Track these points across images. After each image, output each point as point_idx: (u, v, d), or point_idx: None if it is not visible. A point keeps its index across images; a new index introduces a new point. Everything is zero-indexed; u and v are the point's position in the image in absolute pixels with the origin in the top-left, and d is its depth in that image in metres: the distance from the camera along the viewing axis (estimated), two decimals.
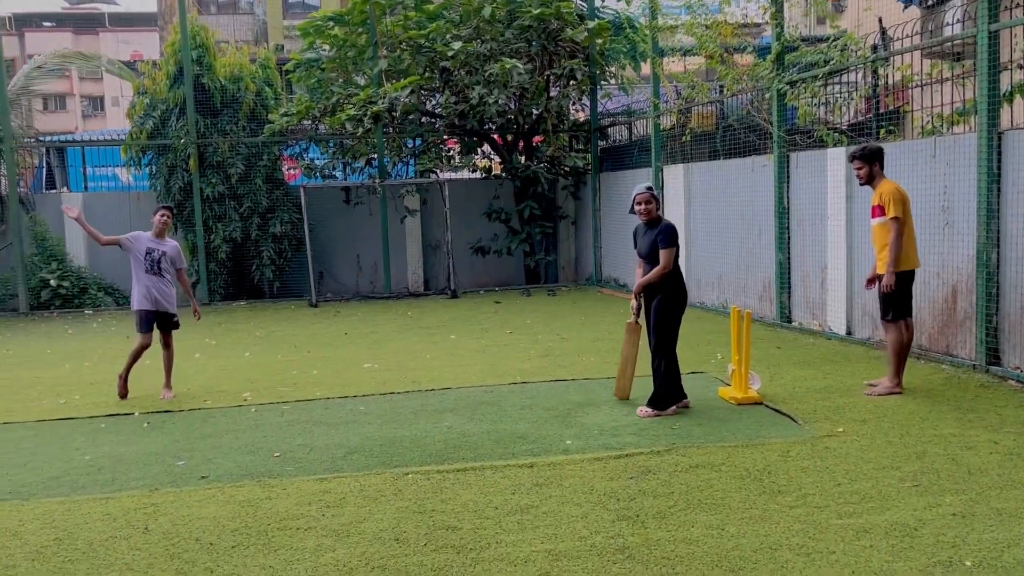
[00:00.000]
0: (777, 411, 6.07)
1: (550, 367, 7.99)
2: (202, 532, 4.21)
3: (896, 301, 6.28)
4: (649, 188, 6.24)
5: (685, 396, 6.23)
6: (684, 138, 11.79)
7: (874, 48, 9.01)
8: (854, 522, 4.01)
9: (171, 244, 7.65)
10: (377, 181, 14.52)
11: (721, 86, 10.94)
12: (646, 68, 14.23)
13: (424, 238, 15.72)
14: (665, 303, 6.13)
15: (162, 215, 7.58)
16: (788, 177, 9.54)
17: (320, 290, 15.22)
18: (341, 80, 15.00)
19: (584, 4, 14.94)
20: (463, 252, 15.52)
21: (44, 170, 22.69)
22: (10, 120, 14.26)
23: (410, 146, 15.58)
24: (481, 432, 5.82)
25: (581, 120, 15.68)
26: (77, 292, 14.61)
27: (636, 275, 6.34)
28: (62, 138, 23.07)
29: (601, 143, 15.45)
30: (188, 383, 7.89)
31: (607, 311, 11.50)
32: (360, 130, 14.16)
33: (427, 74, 14.42)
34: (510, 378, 7.54)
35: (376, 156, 14.69)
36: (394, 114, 14.05)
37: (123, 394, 7.34)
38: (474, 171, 16.33)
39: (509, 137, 15.35)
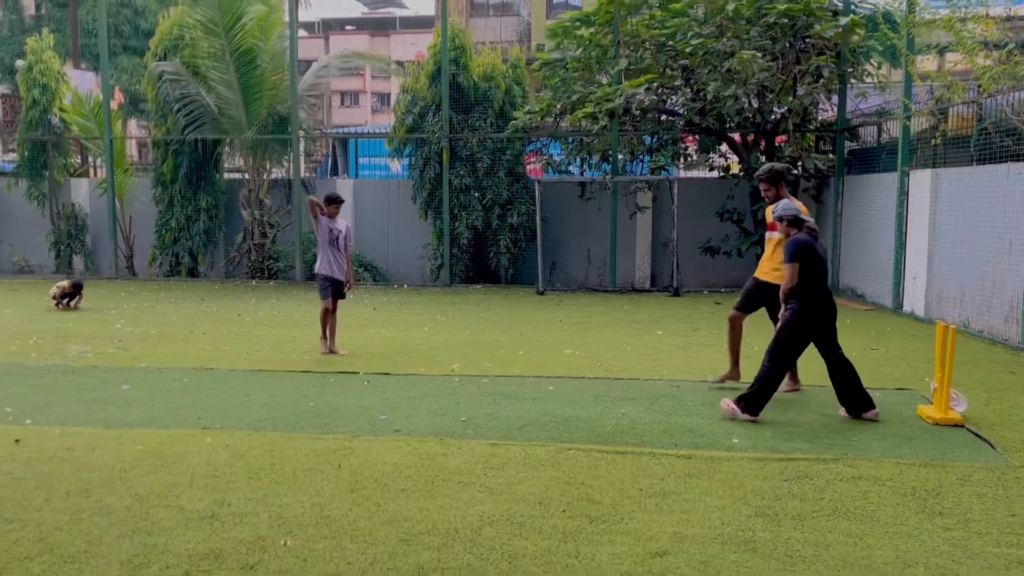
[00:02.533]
0: (977, 435, 5.66)
1: (746, 368, 7.91)
2: (382, 474, 4.86)
3: None
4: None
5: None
6: (934, 141, 10.94)
7: None
8: (1011, 552, 3.77)
9: (344, 224, 9.00)
10: (608, 177, 14.91)
11: (978, 85, 10.01)
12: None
13: (654, 235, 15.88)
14: (790, 315, 5.97)
15: (333, 204, 8.91)
16: None
17: (550, 279, 15.96)
18: (584, 79, 15.52)
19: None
20: (692, 251, 15.46)
21: (330, 158, 25.74)
22: (298, 113, 16.39)
23: (647, 143, 15.75)
24: (653, 421, 6.01)
25: (830, 120, 14.95)
26: None
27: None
28: (349, 131, 25.73)
29: (853, 144, 14.66)
30: (411, 352, 8.80)
31: (845, 330, 10.97)
32: (596, 127, 14.61)
33: (668, 72, 14.52)
34: (701, 376, 7.60)
35: (611, 153, 15.06)
36: (632, 112, 14.32)
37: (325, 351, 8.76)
38: (711, 170, 16.20)
39: (750, 137, 15.03)
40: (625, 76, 14.51)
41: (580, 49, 15.46)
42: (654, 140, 15.18)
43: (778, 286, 6.26)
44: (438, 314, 11.81)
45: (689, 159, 15.74)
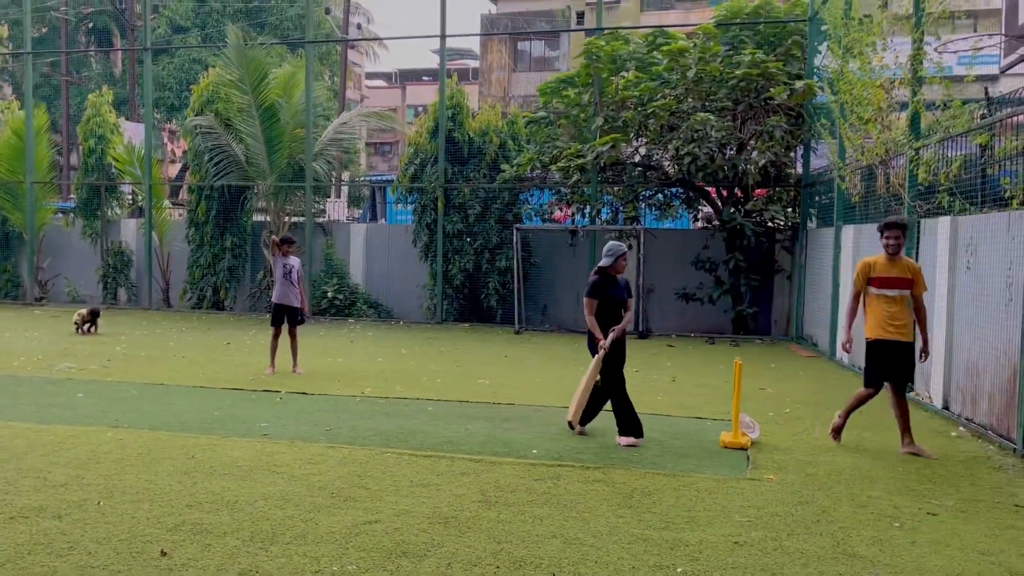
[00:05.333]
0: (747, 457, 6.47)
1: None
2: (219, 464, 6.03)
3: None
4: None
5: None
6: (854, 199, 11.66)
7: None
8: (621, 531, 4.66)
9: (296, 260, 10.47)
10: (581, 227, 15.97)
11: (863, 151, 10.82)
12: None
13: (640, 282, 16.76)
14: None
15: (288, 245, 10.46)
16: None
17: (542, 321, 17.04)
18: (570, 135, 16.69)
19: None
20: (669, 298, 16.28)
21: (371, 203, 27.50)
22: (312, 164, 18.04)
23: (631, 196, 16.72)
24: (482, 435, 7.03)
25: (797, 176, 15.70)
26: (348, 304, 17.95)
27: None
28: (373, 178, 27.42)
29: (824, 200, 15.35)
30: (345, 376, 10.02)
31: (762, 369, 11.70)
32: (571, 180, 15.74)
33: (643, 130, 15.57)
34: (559, 402, 8.54)
35: (587, 203, 16.14)
36: (602, 166, 15.40)
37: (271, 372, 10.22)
38: (696, 220, 17.07)
39: (725, 191, 15.88)
40: (602, 133, 15.63)
41: (565, 107, 16.67)
42: (627, 192, 16.17)
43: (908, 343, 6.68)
44: (402, 348, 13.01)
45: (667, 210, 16.65)
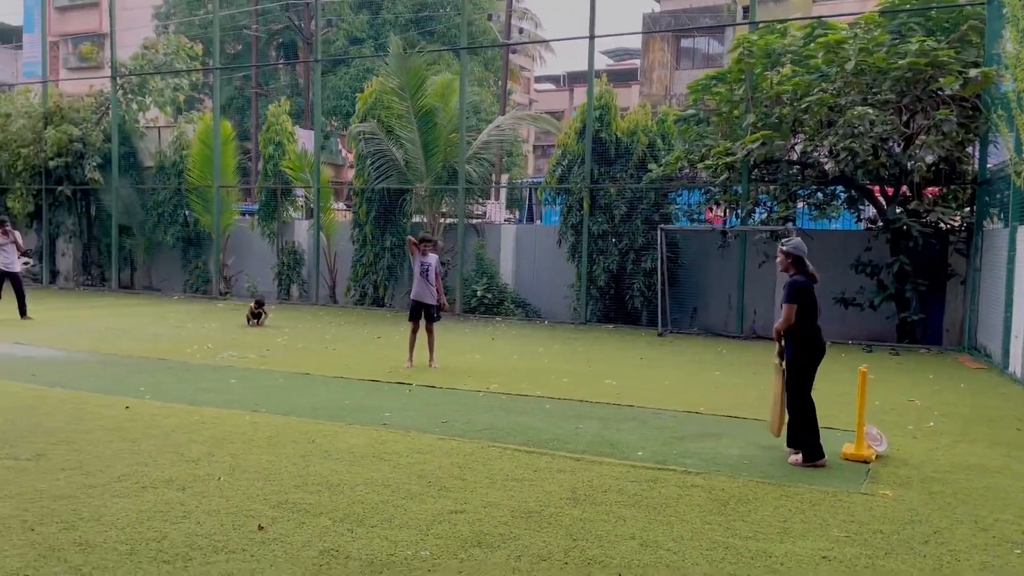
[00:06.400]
0: (867, 470, 6.06)
1: (735, 405, 8.48)
2: (334, 448, 6.40)
3: None
4: (782, 245, 6.71)
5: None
6: None
7: None
8: (707, 537, 4.50)
9: (433, 258, 10.74)
10: (730, 228, 15.46)
11: None
12: None
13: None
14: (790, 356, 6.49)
15: (424, 244, 10.81)
16: None
17: (690, 324, 16.69)
18: (722, 133, 16.22)
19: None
20: (826, 302, 15.42)
21: (529, 205, 27.98)
22: (466, 166, 18.58)
23: (785, 195, 16.01)
24: (590, 435, 7.01)
25: (972, 173, 14.43)
26: (496, 302, 18.37)
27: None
28: (524, 182, 27.80)
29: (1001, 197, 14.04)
30: (476, 372, 10.30)
31: (919, 380, 10.85)
32: (721, 178, 15.28)
33: (798, 126, 14.87)
34: (684, 406, 8.35)
35: (738, 202, 15.61)
36: (754, 164, 14.85)
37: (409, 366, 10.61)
38: (858, 221, 16.10)
39: (890, 190, 14.89)
40: (754, 130, 15.07)
41: (717, 104, 16.21)
42: (782, 191, 15.48)
43: None
44: (540, 347, 13.16)
45: (826, 209, 15.78)
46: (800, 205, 16.00)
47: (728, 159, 14.73)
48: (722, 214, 16.66)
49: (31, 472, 5.54)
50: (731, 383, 10.10)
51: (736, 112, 15.68)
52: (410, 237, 11.20)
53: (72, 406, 7.71)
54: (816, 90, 14.27)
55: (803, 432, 6.34)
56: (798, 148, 15.32)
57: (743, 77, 15.42)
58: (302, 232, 21.77)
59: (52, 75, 29.89)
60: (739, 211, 15.89)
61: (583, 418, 7.74)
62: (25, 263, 16.55)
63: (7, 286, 15.13)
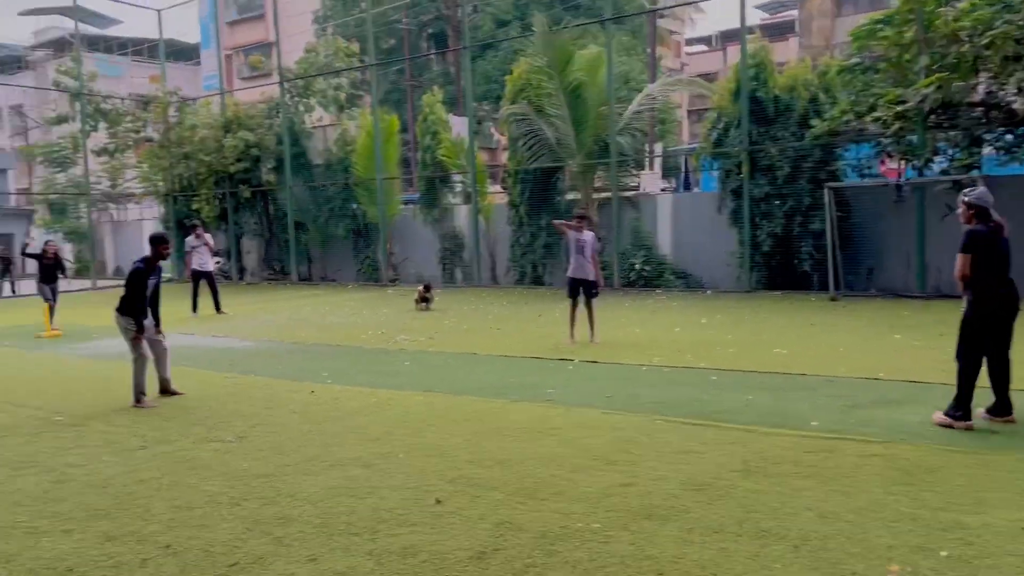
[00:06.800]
0: None
1: (918, 369, 7.94)
2: (501, 425, 6.60)
3: None
4: (964, 195, 6.26)
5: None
6: None
7: None
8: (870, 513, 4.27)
9: (589, 234, 10.68)
10: (906, 181, 14.43)
11: None
12: None
13: None
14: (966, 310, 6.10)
15: (579, 220, 10.86)
16: None
17: (866, 286, 15.82)
18: (893, 80, 15.14)
19: None
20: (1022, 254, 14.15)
21: (684, 174, 27.41)
22: (617, 138, 18.41)
23: (967, 141, 14.76)
24: (761, 406, 6.83)
25: None
26: (655, 275, 18.15)
27: None
28: (677, 149, 27.15)
29: None
30: (639, 345, 10.27)
31: None
32: (892, 128, 14.28)
33: (973, 64, 13.65)
34: (868, 374, 7.92)
35: (913, 153, 14.56)
36: (930, 111, 13.77)
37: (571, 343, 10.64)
38: None
39: None
40: (928, 73, 13.98)
41: (884, 50, 15.12)
42: (963, 137, 14.27)
43: None
44: (703, 317, 12.90)
45: (1016, 152, 14.40)
46: (986, 151, 14.67)
47: (900, 107, 13.74)
48: (896, 167, 15.58)
49: (235, 453, 6.08)
50: (912, 346, 9.51)
51: (907, 56, 14.56)
52: (555, 221, 11.27)
53: (265, 392, 8.38)
54: (999, 22, 13.01)
55: (959, 386, 5.91)
56: (980, 88, 14.06)
57: (912, 17, 14.28)
58: (462, 217, 22.37)
59: (228, 86, 32.23)
60: (915, 162, 14.81)
61: (752, 389, 7.54)
62: (217, 262, 18.00)
63: (203, 284, 16.56)
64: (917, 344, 9.61)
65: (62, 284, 15.73)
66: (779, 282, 16.59)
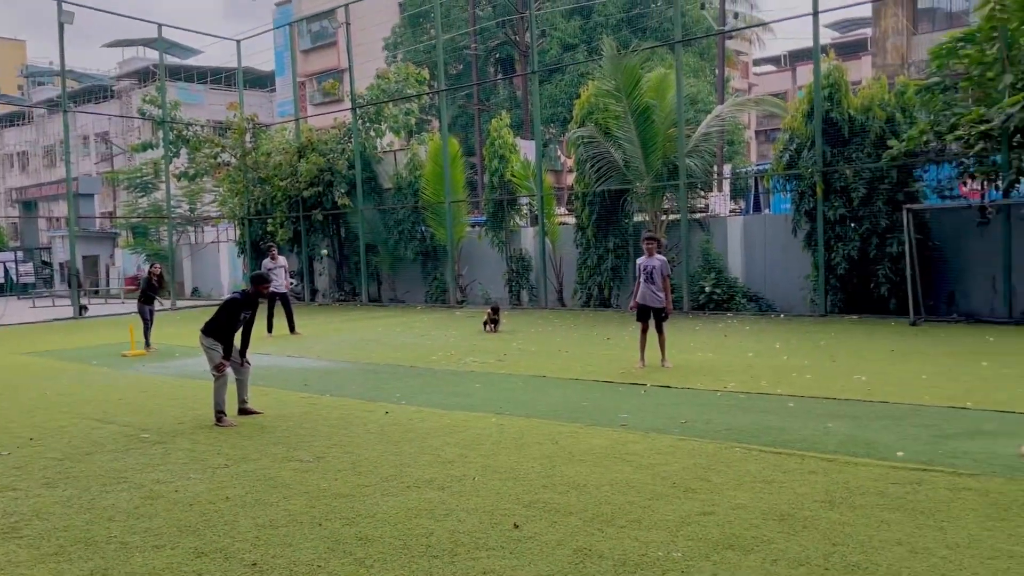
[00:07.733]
0: None
1: (1010, 399, 7.65)
2: (578, 450, 6.57)
3: None
4: None
5: None
6: None
7: None
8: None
9: (658, 260, 10.59)
10: (990, 202, 13.95)
11: None
12: None
13: None
14: None
15: (648, 243, 10.71)
16: None
17: (949, 311, 15.33)
18: (970, 100, 14.71)
19: None
20: None
21: (753, 195, 27.05)
22: (686, 159, 18.27)
23: None
24: (840, 434, 6.65)
25: None
26: (726, 298, 17.89)
27: None
28: (747, 169, 26.75)
29: None
30: (712, 371, 10.12)
31: None
32: (975, 148, 13.85)
33: None
34: (946, 401, 7.64)
35: (997, 173, 14.08)
36: (1010, 129, 13.33)
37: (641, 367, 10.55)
38: None
39: None
40: (1012, 92, 13.55)
41: (965, 68, 14.71)
42: None
43: None
44: (777, 342, 12.65)
45: None
46: None
47: (983, 127, 13.33)
48: (979, 188, 15.09)
49: (314, 473, 6.20)
50: (1002, 374, 9.14)
51: (990, 74, 14.12)
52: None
53: (340, 412, 8.52)
54: None
55: None
56: None
57: (996, 35, 13.88)
58: (528, 239, 22.46)
59: (301, 112, 33.14)
60: (999, 183, 14.33)
61: (831, 416, 7.36)
62: (291, 284, 18.43)
63: (278, 305, 16.96)
64: (1007, 372, 9.25)
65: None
66: (855, 306, 16.19)
